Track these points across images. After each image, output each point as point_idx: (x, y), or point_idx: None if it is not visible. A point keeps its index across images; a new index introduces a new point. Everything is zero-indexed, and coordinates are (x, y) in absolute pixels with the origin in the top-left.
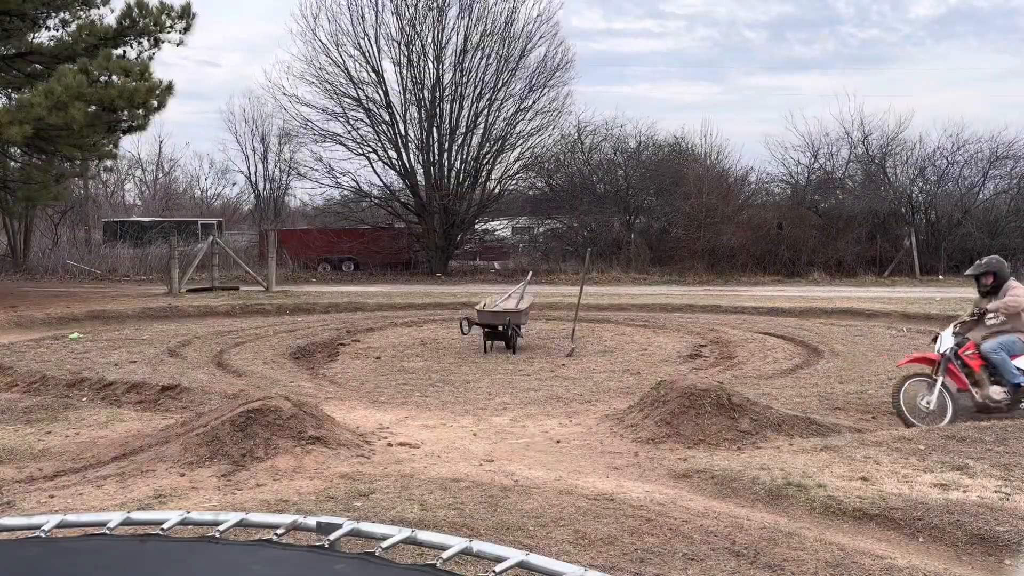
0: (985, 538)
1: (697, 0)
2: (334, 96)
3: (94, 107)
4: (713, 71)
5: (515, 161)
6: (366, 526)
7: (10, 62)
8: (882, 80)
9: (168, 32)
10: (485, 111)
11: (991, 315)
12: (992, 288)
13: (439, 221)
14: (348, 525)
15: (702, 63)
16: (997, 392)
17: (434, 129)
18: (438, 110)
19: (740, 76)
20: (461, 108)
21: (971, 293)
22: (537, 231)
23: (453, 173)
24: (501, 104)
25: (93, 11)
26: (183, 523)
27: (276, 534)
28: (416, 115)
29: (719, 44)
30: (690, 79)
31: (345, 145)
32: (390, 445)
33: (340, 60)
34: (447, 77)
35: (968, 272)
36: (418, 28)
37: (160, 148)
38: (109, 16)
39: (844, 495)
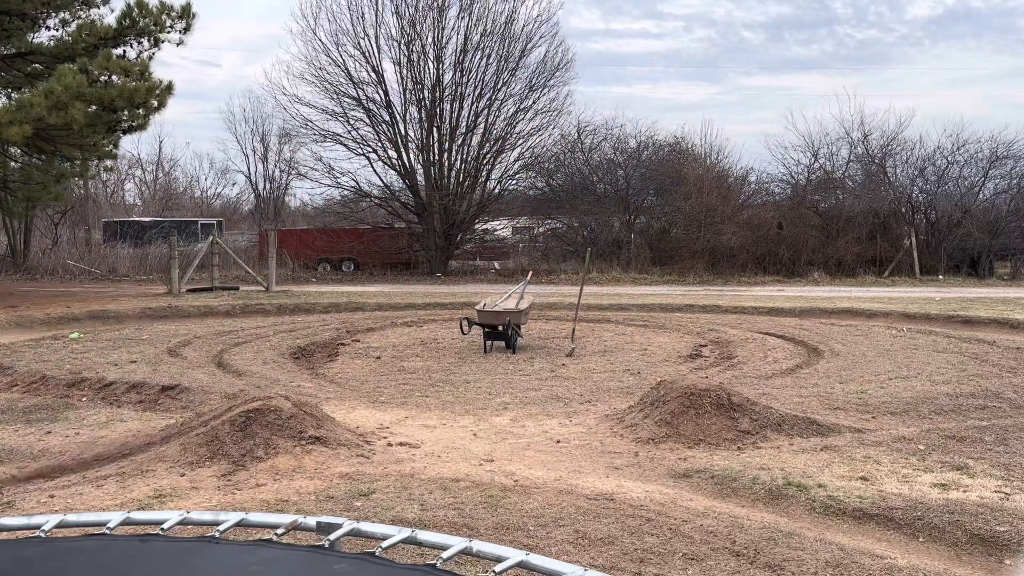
0: (985, 538)
1: (695, 0)
2: (334, 96)
3: (94, 107)
4: (711, 71)
5: (515, 161)
6: (366, 526)
7: (10, 62)
8: (880, 80)
9: (168, 32)
10: (485, 111)
11: None
12: None
13: (439, 221)
14: (348, 525)
15: (700, 63)
16: None
17: (434, 129)
18: (438, 110)
19: (738, 76)
20: (461, 108)
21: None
22: (537, 231)
23: (453, 173)
24: (501, 104)
25: (93, 11)
26: (183, 523)
27: (276, 534)
28: (416, 115)
29: (717, 44)
30: (688, 79)
31: (345, 145)
32: (390, 445)
33: (340, 60)
34: (447, 77)
35: None
36: (418, 28)
37: (160, 148)
38: (109, 16)
39: (844, 495)
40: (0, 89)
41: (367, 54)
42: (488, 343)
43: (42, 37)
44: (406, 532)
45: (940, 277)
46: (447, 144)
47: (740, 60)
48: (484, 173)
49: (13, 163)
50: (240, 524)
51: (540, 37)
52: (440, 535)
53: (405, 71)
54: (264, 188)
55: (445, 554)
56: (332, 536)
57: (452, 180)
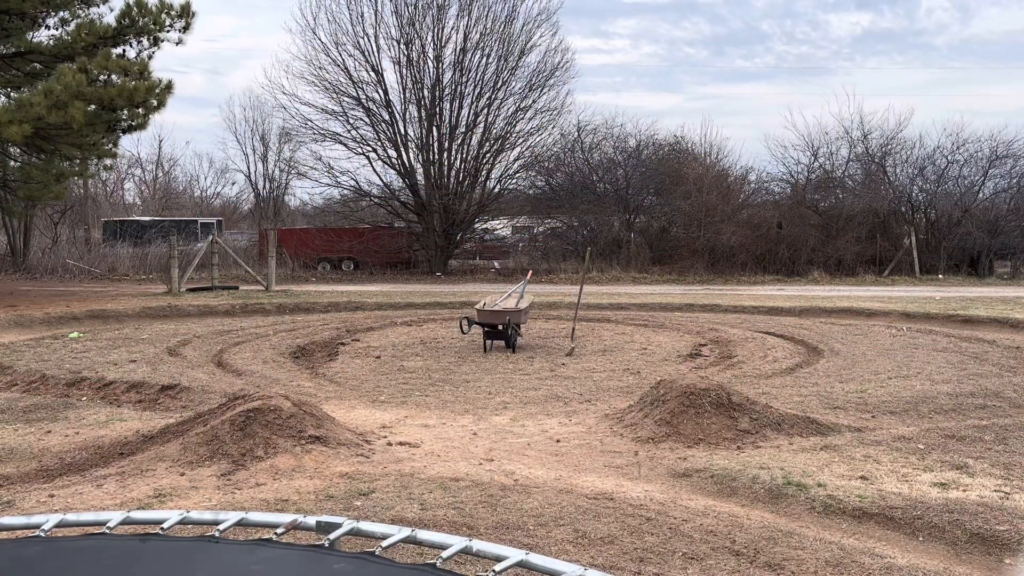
0: (985, 537)
1: (632, 22)
2: (334, 95)
3: (93, 106)
4: (668, 81)
5: (515, 160)
6: (366, 525)
7: (9, 61)
8: (829, 87)
9: (167, 31)
10: (485, 110)
11: None
12: None
13: (439, 220)
14: (348, 524)
15: (655, 75)
16: None
17: (434, 128)
18: (438, 109)
19: (695, 86)
20: (461, 107)
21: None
22: (537, 230)
23: (453, 172)
24: (501, 103)
25: (92, 10)
26: (183, 522)
27: (276, 533)
28: (416, 114)
29: (666, 59)
30: (648, 88)
31: (345, 144)
32: (390, 444)
33: (340, 59)
34: (447, 76)
35: None
36: (417, 27)
37: (160, 147)
38: (108, 15)
39: (844, 494)
40: (0, 88)
41: (366, 53)
42: (488, 342)
43: (41, 36)
44: (406, 531)
45: (940, 276)
46: (447, 143)
47: (691, 72)
48: (484, 172)
49: (13, 162)
50: (240, 524)
51: (540, 36)
52: (440, 534)
53: (405, 70)
54: (264, 187)
55: (445, 553)
56: (332, 536)
57: (452, 179)
